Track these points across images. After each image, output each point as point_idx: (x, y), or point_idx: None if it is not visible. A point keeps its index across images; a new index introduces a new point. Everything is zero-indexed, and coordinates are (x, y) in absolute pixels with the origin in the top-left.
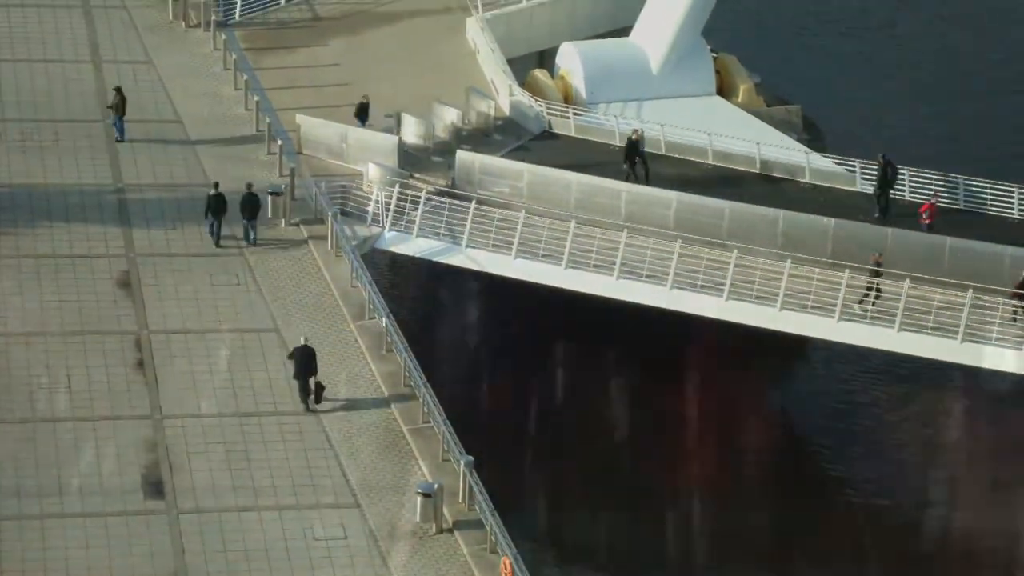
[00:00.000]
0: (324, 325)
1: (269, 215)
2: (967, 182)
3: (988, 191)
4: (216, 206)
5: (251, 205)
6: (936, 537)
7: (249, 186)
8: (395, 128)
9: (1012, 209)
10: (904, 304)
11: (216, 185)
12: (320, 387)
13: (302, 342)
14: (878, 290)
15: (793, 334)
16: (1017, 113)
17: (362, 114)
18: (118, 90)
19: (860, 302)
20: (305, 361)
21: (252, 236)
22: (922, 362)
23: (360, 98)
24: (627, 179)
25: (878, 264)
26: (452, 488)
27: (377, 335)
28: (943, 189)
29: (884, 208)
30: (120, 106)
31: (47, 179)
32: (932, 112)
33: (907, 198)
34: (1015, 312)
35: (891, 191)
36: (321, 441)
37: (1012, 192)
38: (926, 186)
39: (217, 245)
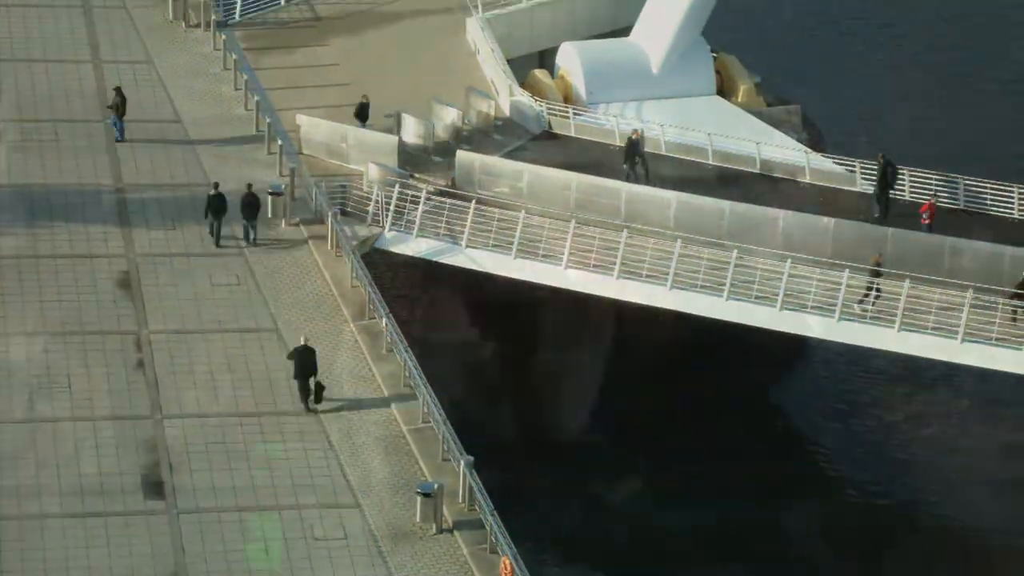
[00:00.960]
0: (324, 325)
1: (269, 215)
2: (967, 182)
3: (988, 191)
4: (216, 206)
5: (251, 205)
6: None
7: (249, 186)
8: (395, 128)
9: (1012, 209)
10: (904, 304)
11: (216, 185)
12: (320, 387)
13: (302, 342)
14: (878, 290)
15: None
16: (1017, 112)
17: (362, 114)
18: (118, 90)
19: (860, 302)
20: (305, 361)
21: (252, 236)
22: (922, 362)
23: (360, 98)
24: (627, 179)
25: (878, 264)
26: (452, 488)
27: (377, 335)
28: (943, 189)
29: (885, 208)
30: (120, 106)
31: (47, 179)
32: (932, 112)
33: (907, 198)
34: (1015, 312)
35: (891, 191)
36: (321, 441)
37: (1012, 192)
38: (926, 186)
39: (217, 245)
